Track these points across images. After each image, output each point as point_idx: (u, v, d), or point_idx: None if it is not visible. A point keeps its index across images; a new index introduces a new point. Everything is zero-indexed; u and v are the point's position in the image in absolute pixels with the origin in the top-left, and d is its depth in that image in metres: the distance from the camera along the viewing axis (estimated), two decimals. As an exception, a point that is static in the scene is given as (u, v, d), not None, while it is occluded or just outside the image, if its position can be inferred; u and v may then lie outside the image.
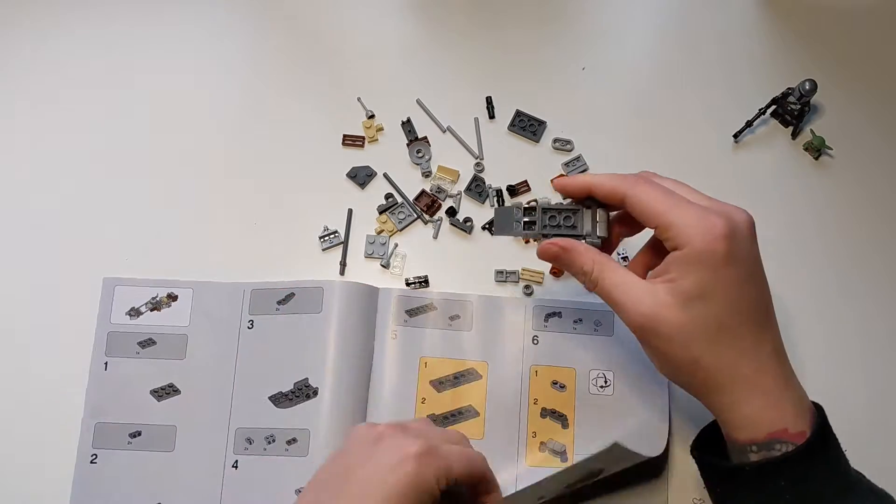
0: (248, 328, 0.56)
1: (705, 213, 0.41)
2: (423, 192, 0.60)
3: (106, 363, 0.56)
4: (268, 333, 0.56)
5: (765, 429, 0.41)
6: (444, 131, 0.62)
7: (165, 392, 0.55)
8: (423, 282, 0.58)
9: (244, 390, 0.55)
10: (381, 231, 0.60)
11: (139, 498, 0.53)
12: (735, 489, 0.43)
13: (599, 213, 0.46)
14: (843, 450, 0.43)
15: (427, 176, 0.61)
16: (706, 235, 0.40)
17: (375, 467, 0.38)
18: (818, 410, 0.43)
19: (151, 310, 0.57)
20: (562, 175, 0.43)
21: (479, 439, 0.54)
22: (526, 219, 0.47)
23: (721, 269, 0.40)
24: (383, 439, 0.40)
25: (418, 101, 0.63)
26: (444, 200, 0.60)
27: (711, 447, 0.46)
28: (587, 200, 0.46)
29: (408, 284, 0.58)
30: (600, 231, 0.46)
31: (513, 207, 0.48)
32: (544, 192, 0.61)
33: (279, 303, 0.56)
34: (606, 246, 0.47)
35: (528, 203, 0.46)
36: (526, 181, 0.61)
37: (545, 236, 0.46)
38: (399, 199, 0.61)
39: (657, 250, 0.46)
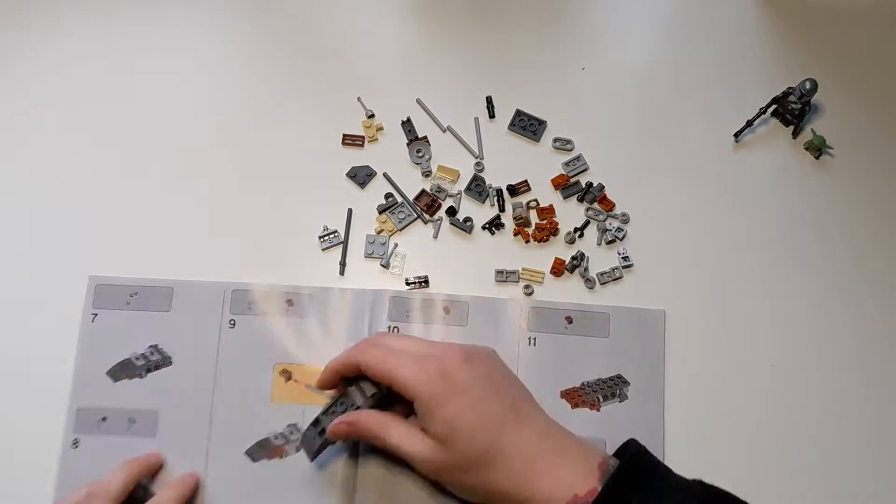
0: (230, 327, 0.56)
1: (419, 362, 0.47)
2: (423, 192, 0.60)
3: (89, 358, 0.56)
4: (249, 333, 0.56)
5: (560, 502, 0.43)
6: (445, 131, 0.62)
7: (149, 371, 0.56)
8: (424, 282, 0.58)
9: (225, 388, 0.55)
10: (381, 231, 0.60)
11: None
12: None
13: (362, 383, 0.50)
14: (664, 474, 0.45)
15: (427, 175, 0.61)
16: (424, 383, 0.46)
17: None
18: (628, 451, 0.46)
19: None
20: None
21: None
22: (319, 429, 0.51)
23: (450, 404, 0.45)
24: None
25: (418, 101, 0.63)
26: (443, 200, 0.60)
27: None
28: (346, 381, 0.51)
29: (408, 284, 0.58)
30: (368, 391, 0.50)
31: (308, 431, 0.51)
32: (545, 192, 0.61)
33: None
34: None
35: (315, 419, 0.51)
36: (526, 181, 0.61)
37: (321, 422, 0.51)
38: (399, 199, 0.60)
39: None
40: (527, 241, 0.59)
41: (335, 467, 0.53)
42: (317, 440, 0.51)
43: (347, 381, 0.51)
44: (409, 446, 0.47)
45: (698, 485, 0.44)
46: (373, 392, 0.50)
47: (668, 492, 0.44)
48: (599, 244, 0.59)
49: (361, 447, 0.54)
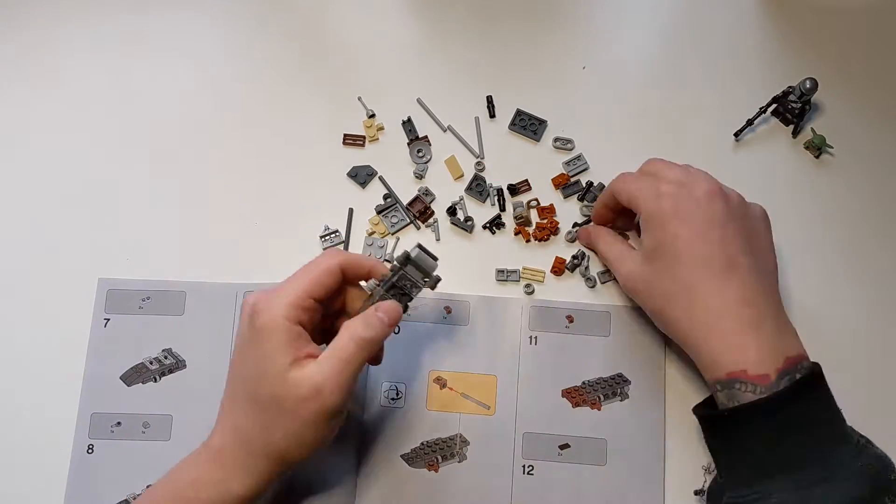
0: None
1: (655, 181, 0.49)
2: (417, 198, 0.60)
3: (101, 363, 0.56)
4: None
5: (724, 368, 0.44)
6: (445, 130, 0.62)
7: (163, 375, 0.56)
8: (425, 281, 0.58)
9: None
10: (373, 233, 0.60)
11: (135, 484, 0.54)
12: (717, 439, 0.47)
13: (417, 258, 0.47)
14: (837, 410, 0.45)
15: (420, 178, 0.61)
16: (652, 198, 0.48)
17: (247, 333, 0.46)
18: (813, 366, 0.45)
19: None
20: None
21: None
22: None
23: (668, 226, 0.46)
24: None
25: (419, 101, 0.63)
26: (430, 204, 0.60)
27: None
28: (399, 261, 0.48)
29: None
30: (430, 267, 0.48)
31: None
32: (545, 191, 0.61)
33: None
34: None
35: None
36: (527, 180, 0.61)
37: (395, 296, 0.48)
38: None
39: None
40: (527, 241, 0.59)
41: (337, 467, 0.53)
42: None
43: (400, 262, 0.48)
44: (612, 258, 0.53)
45: (866, 444, 0.44)
46: (434, 268, 0.48)
47: (832, 418, 0.44)
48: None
49: (363, 446, 0.54)
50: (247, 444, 0.44)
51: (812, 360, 0.57)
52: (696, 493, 0.53)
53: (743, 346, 0.44)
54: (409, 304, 0.49)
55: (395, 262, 0.48)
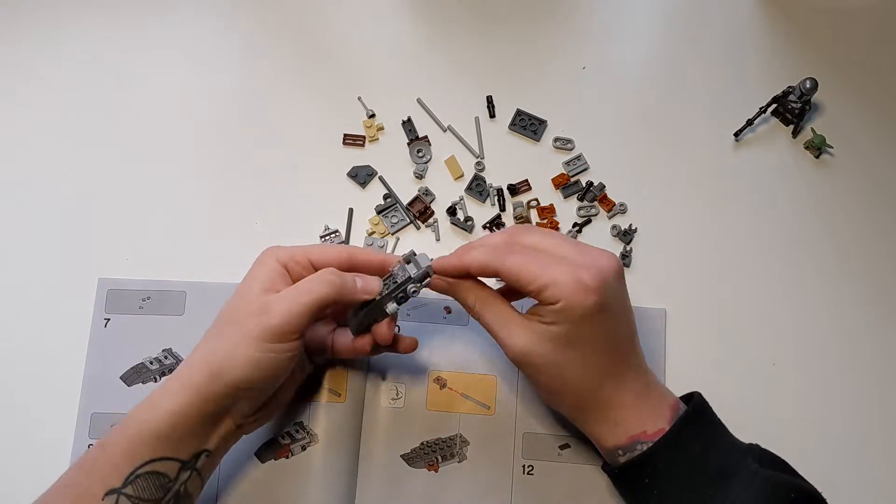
0: None
1: (575, 270, 0.44)
2: (417, 198, 0.60)
3: (102, 363, 0.56)
4: None
5: (626, 433, 0.46)
6: (445, 130, 0.62)
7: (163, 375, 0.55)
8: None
9: None
10: (373, 233, 0.60)
11: None
12: (619, 488, 0.49)
13: (417, 257, 0.47)
14: (726, 435, 0.47)
15: (420, 178, 0.61)
16: (577, 292, 0.43)
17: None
18: (694, 401, 0.47)
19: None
20: (440, 258, 0.48)
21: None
22: (363, 310, 0.49)
23: (591, 320, 0.44)
24: None
25: (419, 101, 0.63)
26: (430, 204, 0.60)
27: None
28: (406, 255, 0.47)
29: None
30: (423, 262, 0.47)
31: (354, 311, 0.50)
32: (545, 191, 0.61)
33: None
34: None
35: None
36: (527, 180, 0.61)
37: (394, 297, 0.47)
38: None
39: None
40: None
41: (337, 467, 0.53)
42: (357, 315, 0.49)
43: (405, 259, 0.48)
44: (500, 328, 0.46)
45: (756, 447, 0.47)
46: (427, 263, 0.47)
47: (728, 446, 0.46)
48: (615, 235, 0.60)
49: (363, 446, 0.54)
50: (190, 359, 0.44)
51: (814, 359, 0.57)
52: None
53: (639, 412, 0.46)
54: (403, 298, 0.47)
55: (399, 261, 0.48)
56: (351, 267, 0.48)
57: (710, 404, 0.49)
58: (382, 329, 0.49)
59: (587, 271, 0.44)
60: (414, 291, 0.47)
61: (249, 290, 0.45)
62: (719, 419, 0.48)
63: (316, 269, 0.47)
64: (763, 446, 0.48)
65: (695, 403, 0.47)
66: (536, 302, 0.45)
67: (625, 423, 0.46)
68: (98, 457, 0.42)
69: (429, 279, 0.47)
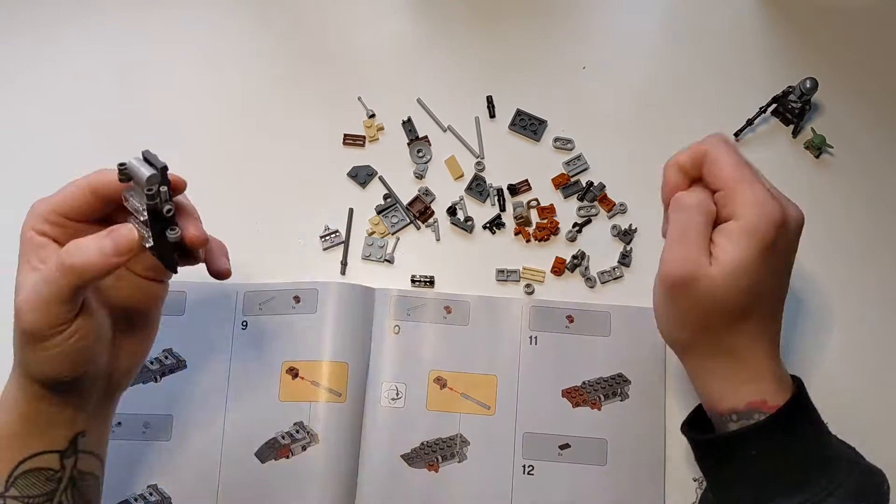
0: (242, 329, 0.56)
1: (769, 198, 0.42)
2: (417, 198, 0.60)
3: None
4: (259, 333, 0.56)
5: (745, 398, 0.43)
6: (445, 130, 0.62)
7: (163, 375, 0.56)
8: (429, 281, 0.58)
9: (238, 390, 0.55)
10: (373, 233, 0.60)
11: (136, 484, 0.54)
12: (713, 461, 0.45)
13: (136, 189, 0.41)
14: (825, 424, 0.45)
15: (420, 178, 0.61)
16: (763, 218, 0.41)
17: None
18: (797, 384, 0.45)
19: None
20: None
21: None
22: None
23: (763, 255, 0.41)
24: None
25: (419, 101, 0.63)
26: (430, 204, 0.60)
27: (701, 426, 0.47)
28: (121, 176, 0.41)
29: (413, 282, 0.58)
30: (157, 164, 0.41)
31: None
32: (545, 191, 0.61)
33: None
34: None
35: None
36: (527, 180, 0.61)
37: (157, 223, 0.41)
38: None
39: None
40: (527, 241, 0.59)
41: (336, 467, 0.53)
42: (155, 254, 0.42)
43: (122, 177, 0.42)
44: (697, 246, 0.42)
45: (856, 459, 0.45)
46: (162, 164, 0.41)
47: (827, 432, 0.44)
48: (615, 235, 0.60)
49: (363, 446, 0.54)
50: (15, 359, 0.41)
51: (814, 358, 0.57)
52: (695, 480, 0.53)
53: (768, 378, 0.43)
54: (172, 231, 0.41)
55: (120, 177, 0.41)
56: (100, 201, 0.42)
57: (695, 424, 0.48)
58: (190, 232, 0.43)
59: (777, 206, 0.42)
60: (169, 210, 0.40)
61: (21, 270, 0.41)
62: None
63: (73, 220, 0.42)
64: None
65: (802, 388, 0.44)
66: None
67: (749, 384, 0.43)
68: None
69: (165, 187, 0.40)
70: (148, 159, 0.41)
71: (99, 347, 0.42)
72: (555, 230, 0.59)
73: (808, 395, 0.45)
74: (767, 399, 0.43)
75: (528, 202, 0.60)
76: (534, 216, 0.60)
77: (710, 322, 0.43)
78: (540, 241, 0.59)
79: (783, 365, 0.45)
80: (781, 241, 0.42)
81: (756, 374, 0.43)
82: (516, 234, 0.60)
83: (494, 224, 0.60)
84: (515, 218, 0.59)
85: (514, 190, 0.61)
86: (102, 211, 0.43)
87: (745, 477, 0.43)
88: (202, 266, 0.58)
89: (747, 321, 0.43)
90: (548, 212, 0.60)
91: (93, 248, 0.39)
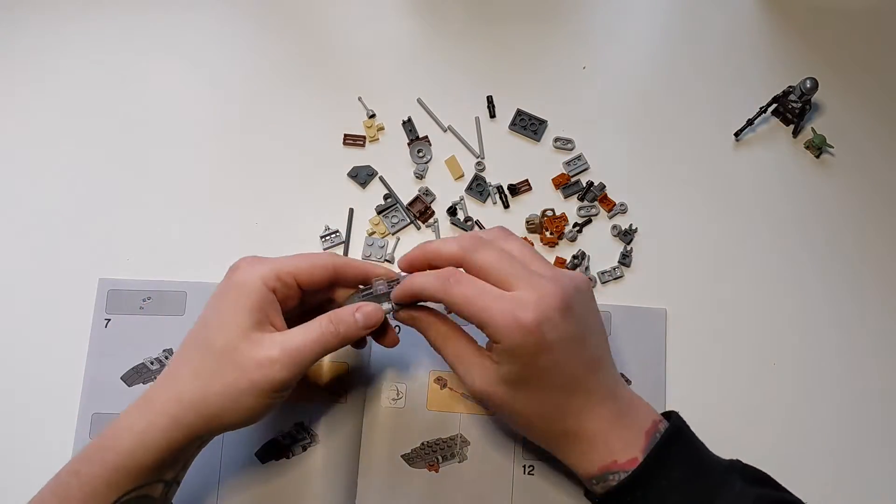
0: None
1: (514, 308, 0.42)
2: (417, 198, 0.60)
3: (102, 364, 0.56)
4: None
5: (596, 464, 0.44)
6: (445, 130, 0.62)
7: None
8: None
9: None
10: (374, 233, 0.60)
11: None
12: None
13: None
14: (704, 451, 0.46)
15: (420, 178, 0.61)
16: (515, 332, 0.42)
17: (222, 286, 0.45)
18: (671, 422, 0.45)
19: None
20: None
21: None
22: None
23: (535, 359, 0.42)
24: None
25: (419, 101, 0.63)
26: (431, 204, 0.60)
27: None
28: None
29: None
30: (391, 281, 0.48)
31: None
32: (545, 191, 0.61)
33: None
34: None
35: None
36: (527, 180, 0.61)
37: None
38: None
39: None
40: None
41: (337, 467, 0.53)
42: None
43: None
44: (459, 366, 0.45)
45: (738, 463, 0.46)
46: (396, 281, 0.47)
47: (710, 466, 0.45)
48: (615, 235, 0.60)
49: (363, 446, 0.54)
50: (180, 394, 0.42)
51: (814, 358, 0.57)
52: None
53: (609, 441, 0.44)
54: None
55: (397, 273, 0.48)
56: (336, 279, 0.47)
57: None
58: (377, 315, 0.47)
59: (525, 309, 0.41)
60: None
61: (241, 319, 0.43)
62: (698, 438, 0.46)
63: (301, 288, 0.46)
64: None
65: (672, 425, 0.45)
66: None
67: (593, 452, 0.44)
68: (73, 484, 0.41)
69: (390, 305, 0.47)
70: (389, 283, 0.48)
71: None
72: (560, 235, 0.59)
73: (680, 432, 0.45)
74: (617, 458, 0.44)
75: (544, 212, 0.60)
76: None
77: (528, 421, 0.45)
78: (549, 245, 0.59)
79: (633, 410, 0.46)
80: (550, 336, 0.42)
81: (597, 442, 0.44)
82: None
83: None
84: (527, 221, 0.59)
85: (515, 190, 0.61)
86: (325, 287, 0.47)
87: None
88: (202, 265, 0.58)
89: (559, 405, 0.44)
90: (559, 220, 0.60)
91: (350, 319, 0.45)
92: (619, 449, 0.44)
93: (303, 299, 0.47)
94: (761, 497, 0.44)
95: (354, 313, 0.45)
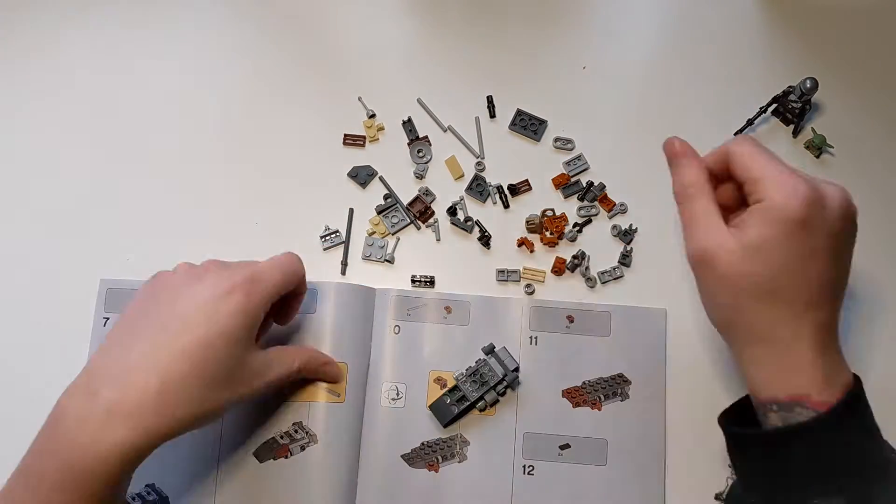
0: None
1: (796, 178, 0.41)
2: (417, 198, 0.60)
3: None
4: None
5: (788, 390, 0.41)
6: (445, 130, 0.62)
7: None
8: (430, 282, 0.58)
9: None
10: (374, 233, 0.60)
11: (136, 485, 0.53)
12: (749, 456, 0.43)
13: (500, 352, 0.54)
14: (878, 429, 0.42)
15: (420, 178, 0.61)
16: (788, 195, 0.40)
17: (201, 299, 0.44)
18: (854, 384, 0.42)
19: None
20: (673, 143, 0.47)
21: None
22: (456, 398, 0.54)
23: (790, 233, 0.40)
24: (208, 274, 0.45)
25: (419, 101, 0.63)
26: (431, 204, 0.60)
27: (737, 418, 0.46)
28: (485, 348, 0.55)
29: (413, 281, 0.58)
30: (510, 365, 0.54)
31: (443, 397, 0.54)
32: (545, 191, 0.61)
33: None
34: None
35: (449, 386, 0.55)
36: (527, 180, 0.61)
37: (483, 399, 0.54)
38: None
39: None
40: (531, 251, 0.59)
41: (336, 467, 0.53)
42: (452, 410, 0.54)
43: (486, 351, 0.54)
44: (695, 222, 0.43)
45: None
46: (514, 366, 0.54)
47: (880, 437, 0.42)
48: (615, 235, 0.60)
49: (363, 446, 0.54)
50: (160, 396, 0.42)
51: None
52: (717, 497, 0.53)
53: (812, 371, 0.41)
54: (487, 398, 0.54)
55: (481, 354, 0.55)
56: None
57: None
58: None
59: (806, 185, 0.41)
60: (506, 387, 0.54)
61: (246, 334, 0.45)
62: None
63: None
64: None
65: (859, 388, 0.42)
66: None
67: (792, 374, 0.41)
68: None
69: (517, 376, 0.54)
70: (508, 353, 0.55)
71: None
72: (560, 235, 0.59)
73: (864, 398, 0.43)
74: (812, 394, 0.40)
75: (544, 211, 0.60)
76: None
77: (739, 302, 0.42)
78: (548, 245, 0.59)
79: (842, 361, 0.43)
80: (816, 219, 0.41)
81: (797, 364, 0.41)
82: (519, 245, 0.59)
83: (485, 239, 0.59)
84: (527, 221, 0.59)
85: (515, 190, 0.61)
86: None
87: (781, 475, 0.41)
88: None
89: (779, 304, 0.41)
90: (559, 220, 0.60)
91: (328, 370, 0.54)
92: (818, 386, 0.40)
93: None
94: None
95: (326, 366, 0.54)
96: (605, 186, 0.61)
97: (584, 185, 0.61)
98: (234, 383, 0.45)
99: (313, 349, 0.54)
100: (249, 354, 0.45)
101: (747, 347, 0.43)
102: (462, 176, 0.61)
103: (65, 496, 0.40)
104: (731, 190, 0.46)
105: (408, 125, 0.62)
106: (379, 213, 0.60)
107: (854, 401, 0.41)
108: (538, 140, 0.62)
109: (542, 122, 0.62)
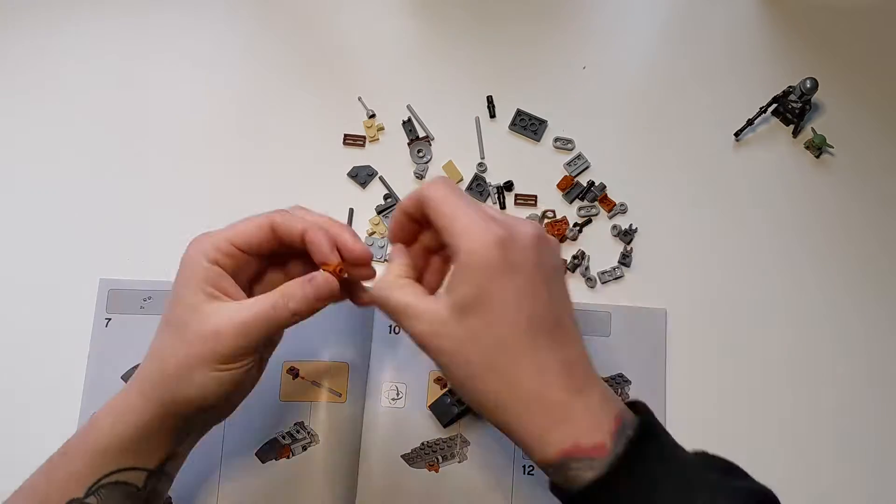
0: None
1: (486, 221, 0.39)
2: (417, 198, 0.60)
3: (103, 363, 0.56)
4: None
5: (554, 447, 0.37)
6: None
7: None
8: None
9: None
10: (374, 233, 0.60)
11: None
12: None
13: None
14: (678, 448, 0.39)
15: (420, 178, 0.61)
16: (480, 242, 0.38)
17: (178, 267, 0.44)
18: (641, 417, 0.39)
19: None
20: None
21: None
22: (456, 398, 0.54)
23: (495, 279, 0.38)
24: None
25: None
26: None
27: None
28: None
29: (412, 282, 0.58)
30: None
31: (443, 398, 0.55)
32: (547, 194, 0.61)
33: None
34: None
35: (450, 386, 0.55)
36: (535, 196, 0.61)
37: None
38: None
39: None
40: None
41: (337, 467, 0.53)
42: (452, 410, 0.54)
43: None
44: (407, 312, 0.40)
45: (704, 455, 0.41)
46: None
47: (682, 460, 0.39)
48: (615, 235, 0.60)
49: (363, 446, 0.54)
50: (146, 372, 0.42)
51: (813, 357, 0.57)
52: None
53: (571, 418, 0.37)
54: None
55: None
56: (276, 240, 0.44)
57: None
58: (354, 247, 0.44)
59: (497, 226, 0.38)
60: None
61: (191, 294, 0.42)
62: (665, 430, 0.40)
63: (246, 252, 0.44)
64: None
65: (645, 414, 0.39)
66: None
67: (551, 432, 0.37)
68: (60, 464, 0.42)
69: None
70: None
71: (251, 388, 0.45)
72: (562, 238, 0.59)
73: (654, 423, 0.39)
74: (579, 440, 0.37)
75: (545, 212, 0.60)
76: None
77: (471, 366, 0.38)
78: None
79: (602, 393, 0.38)
80: (514, 257, 0.38)
81: (556, 415, 0.37)
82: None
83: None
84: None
85: (510, 188, 0.61)
86: (273, 249, 0.45)
87: None
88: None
89: (518, 355, 0.38)
90: (560, 224, 0.60)
91: (299, 292, 0.42)
92: (583, 429, 0.37)
93: (277, 262, 0.46)
94: (736, 491, 0.38)
95: (305, 286, 0.42)
96: (605, 186, 0.61)
97: (585, 185, 0.61)
98: (181, 342, 0.42)
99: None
100: (208, 305, 0.42)
101: (499, 415, 0.39)
102: (461, 180, 0.61)
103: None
104: (434, 234, 0.43)
105: (408, 125, 0.62)
106: (379, 213, 0.60)
107: (643, 430, 0.38)
108: (538, 140, 0.62)
109: (542, 122, 0.62)
